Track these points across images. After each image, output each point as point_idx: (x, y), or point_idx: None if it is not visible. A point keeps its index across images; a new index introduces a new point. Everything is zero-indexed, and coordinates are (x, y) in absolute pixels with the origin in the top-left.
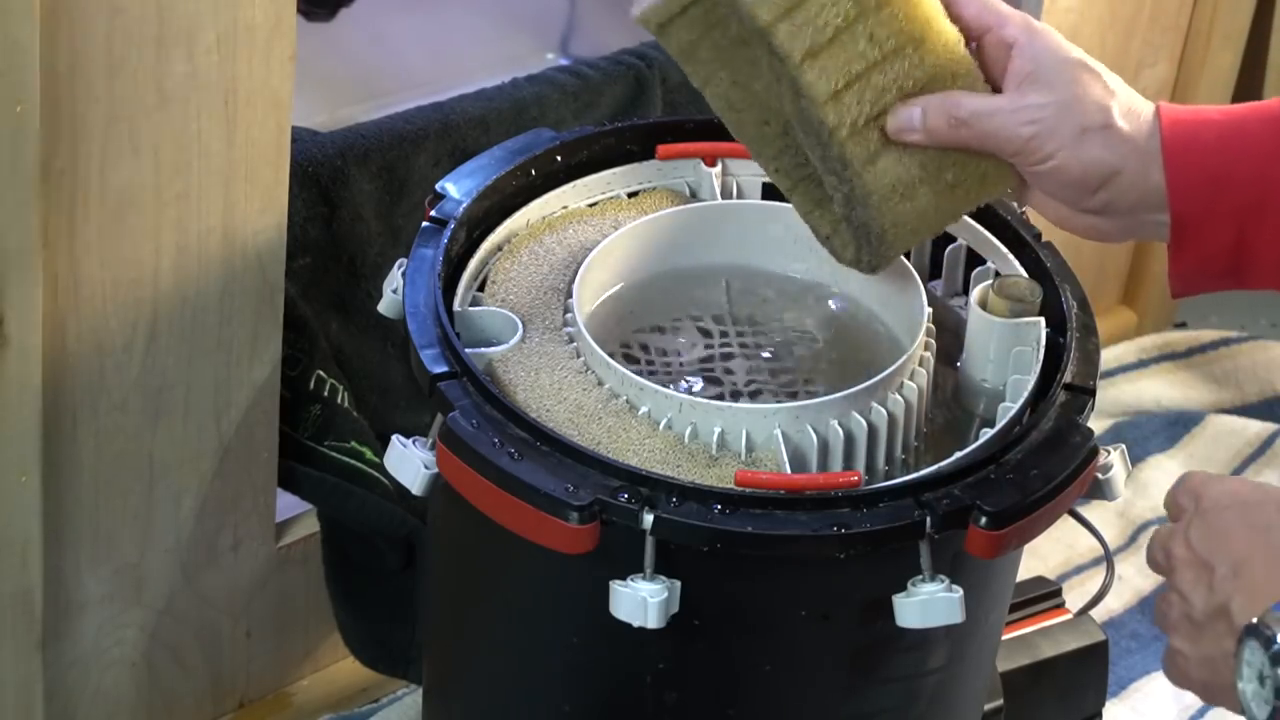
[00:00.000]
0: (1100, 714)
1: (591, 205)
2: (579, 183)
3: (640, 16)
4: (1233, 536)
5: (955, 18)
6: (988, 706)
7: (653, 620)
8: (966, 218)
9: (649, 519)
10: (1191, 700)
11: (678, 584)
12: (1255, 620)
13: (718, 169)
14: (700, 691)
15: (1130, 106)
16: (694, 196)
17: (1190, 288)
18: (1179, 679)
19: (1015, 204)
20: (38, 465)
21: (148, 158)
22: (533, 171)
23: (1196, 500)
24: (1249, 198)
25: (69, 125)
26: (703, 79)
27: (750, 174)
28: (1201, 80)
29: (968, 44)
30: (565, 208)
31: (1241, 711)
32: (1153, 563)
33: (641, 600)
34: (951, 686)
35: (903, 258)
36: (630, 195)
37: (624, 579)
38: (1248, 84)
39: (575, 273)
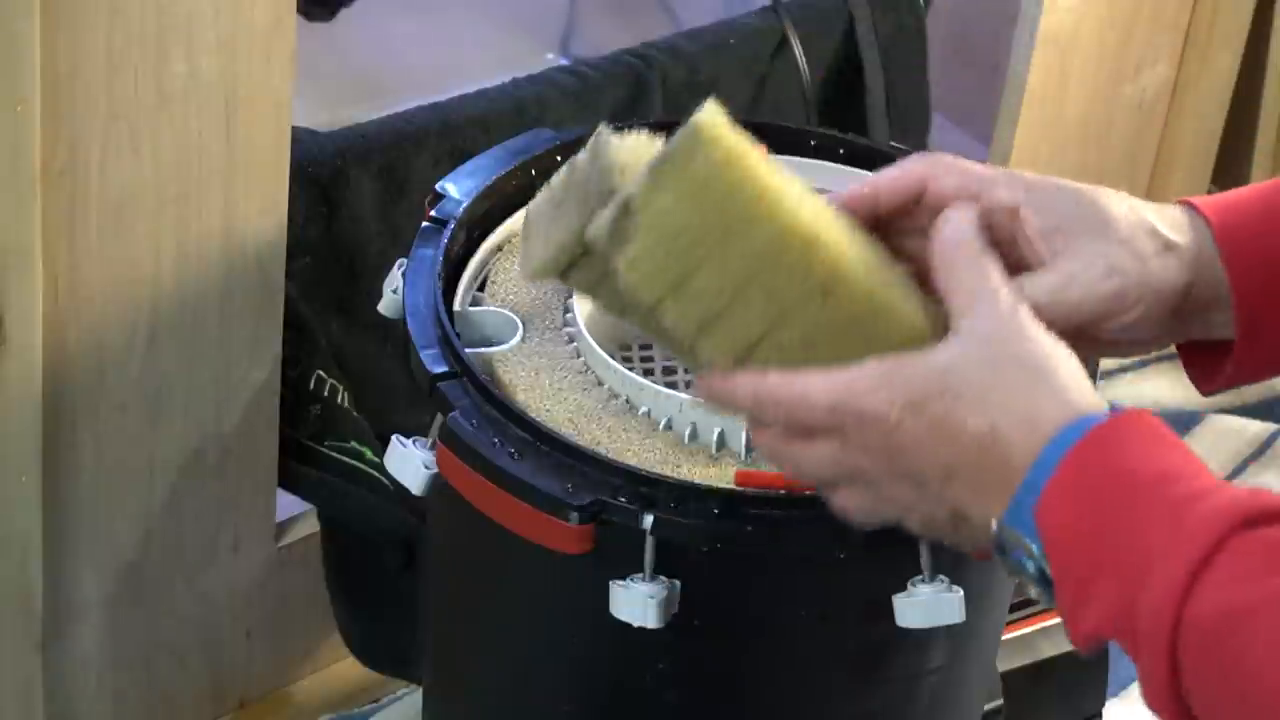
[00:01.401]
0: (1100, 714)
1: None
2: None
3: (529, 274)
4: (924, 447)
5: (938, 194)
6: (988, 706)
7: (653, 620)
8: None
9: (649, 519)
10: None
11: (678, 584)
12: (994, 534)
13: None
14: (700, 691)
15: (1160, 211)
16: None
17: (1246, 379)
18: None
19: None
20: (38, 465)
21: (148, 158)
22: (533, 171)
23: (853, 418)
24: None
25: (69, 125)
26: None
27: None
28: (1201, 80)
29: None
30: None
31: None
32: (770, 453)
33: (641, 600)
34: (951, 686)
35: None
36: None
37: (624, 579)
38: (1248, 84)
39: None
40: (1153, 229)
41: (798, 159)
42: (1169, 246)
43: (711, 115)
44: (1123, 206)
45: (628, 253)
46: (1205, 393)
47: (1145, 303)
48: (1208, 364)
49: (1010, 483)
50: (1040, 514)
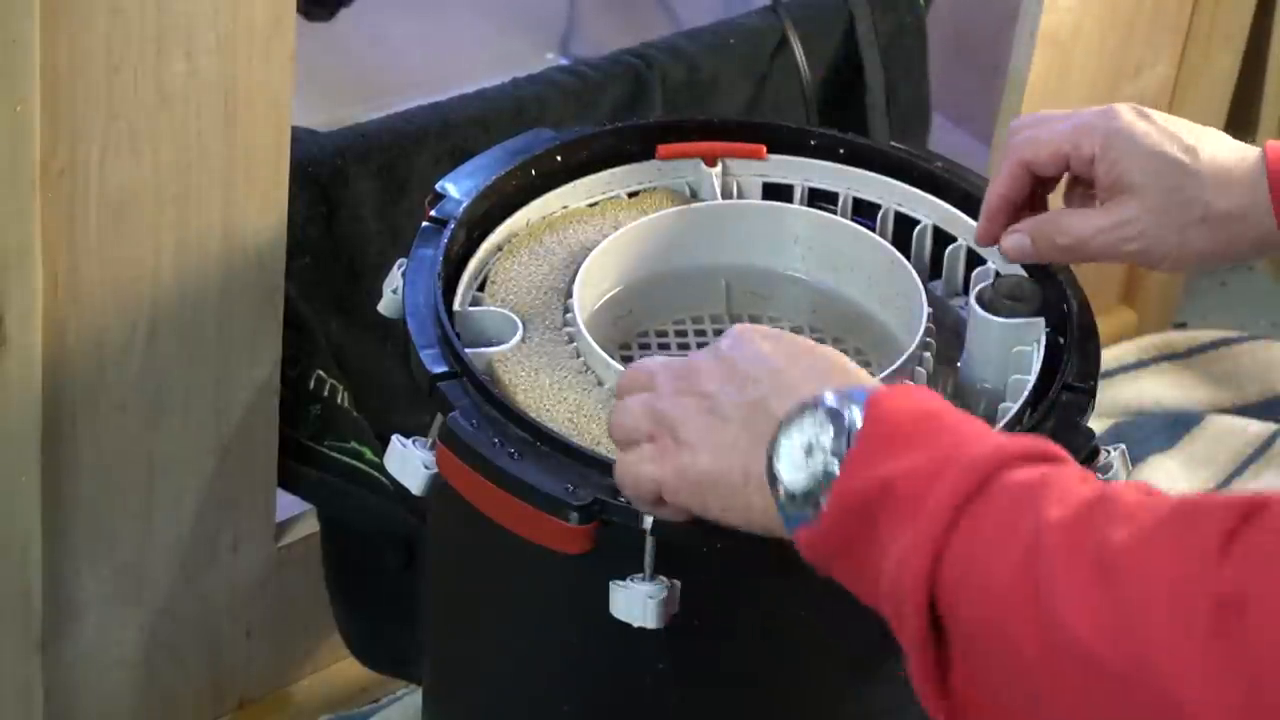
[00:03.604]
0: None
1: (592, 205)
2: (579, 183)
3: None
4: (768, 353)
5: (1036, 170)
6: None
7: (652, 620)
8: (967, 217)
9: (649, 519)
10: None
11: (678, 584)
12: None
13: (718, 169)
14: (700, 691)
15: (1226, 172)
16: (694, 196)
17: None
18: (667, 480)
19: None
20: (38, 465)
21: (147, 158)
22: (533, 171)
23: (718, 347)
24: None
25: (69, 125)
26: None
27: (751, 174)
28: (1201, 80)
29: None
30: (565, 207)
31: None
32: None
33: (641, 600)
34: None
35: (902, 257)
36: (630, 195)
37: (624, 579)
38: (1248, 84)
39: (575, 273)
40: (1197, 199)
41: (798, 159)
42: (1204, 218)
43: None
44: (1183, 176)
45: None
46: None
47: (1172, 260)
48: None
49: (846, 372)
50: (874, 399)
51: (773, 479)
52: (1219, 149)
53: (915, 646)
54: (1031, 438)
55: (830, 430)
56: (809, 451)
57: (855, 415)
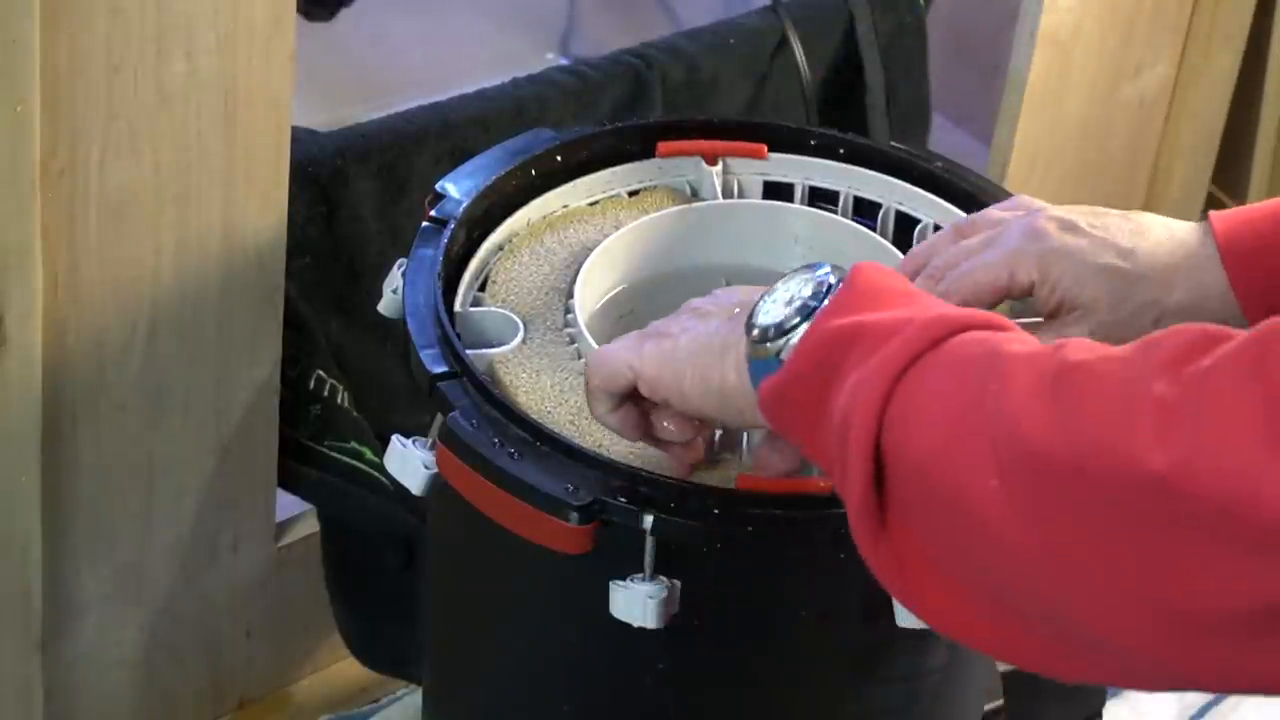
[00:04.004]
0: (1100, 714)
1: (592, 204)
2: (579, 182)
3: None
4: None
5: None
6: (988, 707)
7: (652, 620)
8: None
9: (649, 519)
10: (1192, 700)
11: (678, 584)
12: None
13: (719, 167)
14: (700, 691)
15: (1170, 264)
16: (695, 195)
17: None
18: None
19: None
20: (38, 465)
21: (147, 158)
22: (533, 171)
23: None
24: None
25: (69, 125)
26: None
27: (751, 173)
28: (1201, 80)
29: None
30: (565, 207)
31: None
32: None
33: (641, 600)
34: (951, 686)
35: (903, 256)
36: (631, 194)
37: (624, 579)
38: (1248, 84)
39: (576, 273)
40: (1147, 301)
41: (798, 158)
42: (1159, 317)
43: None
44: (1124, 285)
45: None
46: None
47: None
48: None
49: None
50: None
51: (750, 328)
52: (1157, 240)
53: (856, 485)
54: (1002, 318)
55: (812, 287)
56: (789, 302)
57: (837, 282)
